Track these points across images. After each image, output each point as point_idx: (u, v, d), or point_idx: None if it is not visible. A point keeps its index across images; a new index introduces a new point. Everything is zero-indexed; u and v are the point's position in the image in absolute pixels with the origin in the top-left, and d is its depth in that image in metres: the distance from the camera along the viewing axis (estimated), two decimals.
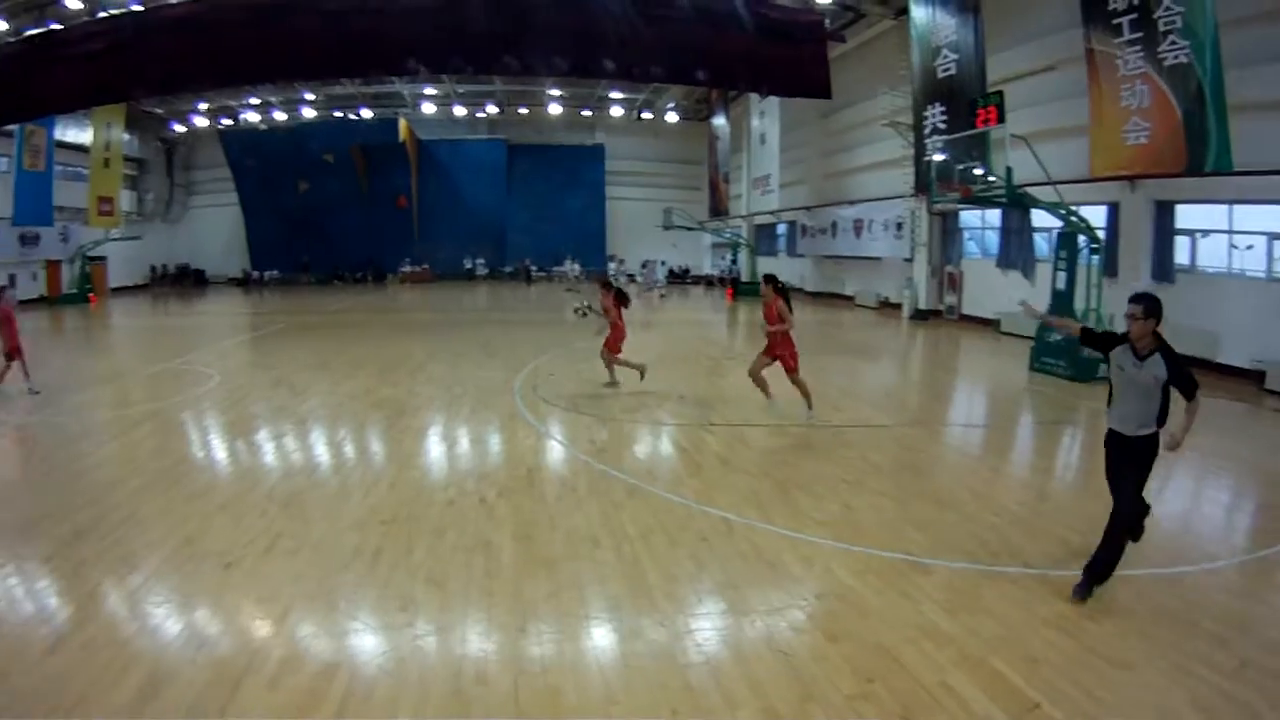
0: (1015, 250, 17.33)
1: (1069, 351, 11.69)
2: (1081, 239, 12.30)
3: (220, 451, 8.49)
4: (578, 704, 3.56)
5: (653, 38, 13.20)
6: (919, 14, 17.86)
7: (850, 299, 25.22)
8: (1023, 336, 14.92)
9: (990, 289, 18.35)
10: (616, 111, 36.70)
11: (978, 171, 14.00)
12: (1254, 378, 11.51)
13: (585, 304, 11.44)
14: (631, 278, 35.34)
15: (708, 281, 36.12)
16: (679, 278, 37.00)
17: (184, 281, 38.68)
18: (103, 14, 18.73)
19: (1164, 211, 13.58)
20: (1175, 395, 4.46)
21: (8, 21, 20.48)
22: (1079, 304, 12.21)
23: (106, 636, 4.26)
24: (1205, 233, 13.12)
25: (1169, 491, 6.60)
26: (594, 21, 13.13)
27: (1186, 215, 13.39)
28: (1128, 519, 4.54)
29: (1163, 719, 3.43)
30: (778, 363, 8.83)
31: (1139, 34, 11.88)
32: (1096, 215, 13.83)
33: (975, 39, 16.33)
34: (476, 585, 4.81)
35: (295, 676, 3.80)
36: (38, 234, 28.21)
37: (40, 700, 3.65)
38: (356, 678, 3.78)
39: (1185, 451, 4.51)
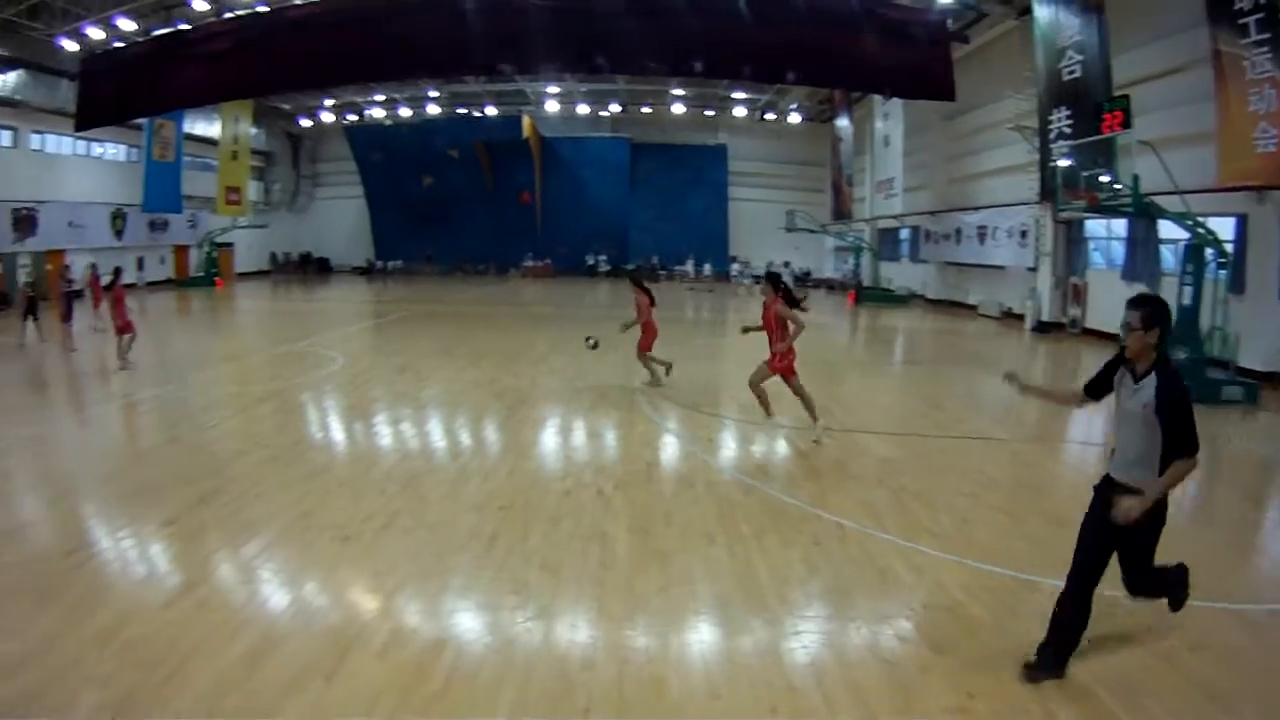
0: (1141, 262, 16.41)
1: (1192, 371, 11.02)
2: (1209, 252, 11.61)
3: (341, 431, 8.83)
4: (680, 696, 3.59)
5: (775, 40, 13.17)
6: (1042, 13, 17.11)
7: (973, 308, 24.32)
8: None
9: (1114, 302, 17.32)
10: (739, 112, 36.37)
11: (1104, 179, 13.41)
12: None
13: (593, 339, 11.55)
14: (757, 280, 35.10)
15: (829, 285, 35.42)
16: (800, 281, 36.15)
17: (307, 268, 40.54)
18: (228, 14, 19.68)
19: None
20: None
21: (137, 22, 21.53)
22: (1203, 321, 11.52)
23: (221, 598, 4.50)
24: None
25: None
26: (718, 23, 13.17)
27: None
28: (1074, 603, 3.69)
29: None
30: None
31: (1266, 34, 11.12)
32: (1225, 227, 13.05)
33: (1099, 39, 15.56)
34: (589, 574, 4.88)
35: (403, 650, 3.92)
36: (167, 220, 30.14)
37: (152, 651, 3.86)
38: (463, 655, 3.88)
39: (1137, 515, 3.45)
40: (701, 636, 4.17)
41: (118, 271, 13.00)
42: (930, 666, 3.84)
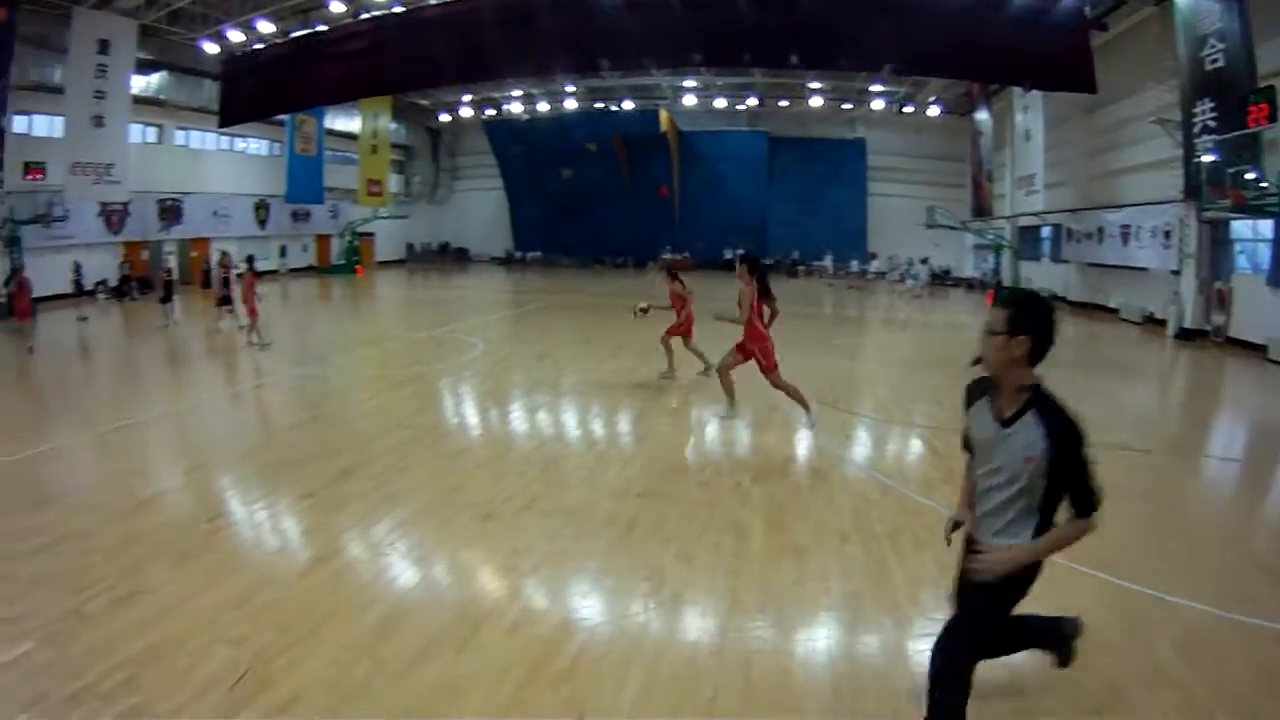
0: None
1: None
2: None
3: (480, 415, 9.17)
4: (804, 689, 3.64)
5: (911, 31, 12.83)
6: None
7: (1114, 312, 22.88)
8: None
9: (1260, 310, 16.01)
10: (877, 105, 35.28)
11: (1250, 176, 12.41)
12: None
13: (642, 305, 11.28)
14: (881, 275, 34.45)
15: (968, 284, 34.08)
16: (939, 279, 34.69)
17: (445, 257, 42.26)
18: (364, 15, 20.51)
19: None
20: None
21: (276, 24, 22.64)
22: None
23: (357, 568, 4.81)
24: None
25: None
26: (855, 16, 12.96)
27: None
28: (960, 668, 2.94)
29: None
30: (752, 362, 8.18)
31: None
32: None
33: (1242, 26, 14.26)
34: (724, 565, 4.95)
35: (535, 627, 4.10)
36: (309, 211, 32.16)
37: (286, 615, 4.12)
38: (594, 636, 4.02)
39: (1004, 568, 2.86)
40: (830, 632, 4.20)
41: (250, 259, 14.02)
42: (1054, 680, 3.73)
